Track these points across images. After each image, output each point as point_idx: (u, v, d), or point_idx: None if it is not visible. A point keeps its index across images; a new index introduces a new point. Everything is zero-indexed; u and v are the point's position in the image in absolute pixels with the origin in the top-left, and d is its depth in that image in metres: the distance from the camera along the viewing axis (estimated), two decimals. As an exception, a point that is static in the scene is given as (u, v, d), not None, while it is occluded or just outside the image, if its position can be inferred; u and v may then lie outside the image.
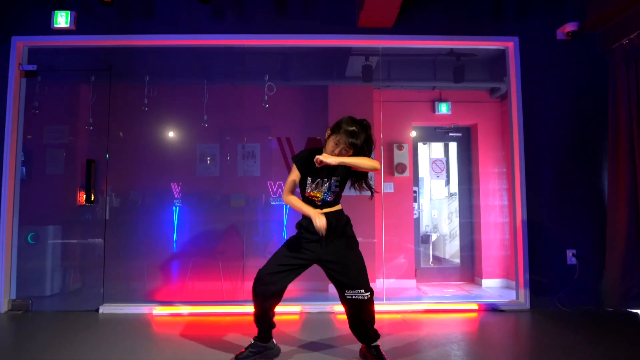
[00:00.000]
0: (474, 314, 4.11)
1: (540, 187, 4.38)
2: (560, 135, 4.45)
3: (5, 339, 3.42)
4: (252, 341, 2.83)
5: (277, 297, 2.70)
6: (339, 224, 2.70)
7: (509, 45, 4.51)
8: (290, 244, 2.72)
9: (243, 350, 2.80)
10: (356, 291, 2.62)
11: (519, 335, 3.57)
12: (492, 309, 4.23)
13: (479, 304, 4.25)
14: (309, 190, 2.70)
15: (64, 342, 3.24)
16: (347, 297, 2.64)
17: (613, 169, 4.24)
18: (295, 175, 2.71)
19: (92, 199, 4.35)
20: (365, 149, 2.68)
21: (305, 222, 2.70)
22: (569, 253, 4.32)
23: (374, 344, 2.73)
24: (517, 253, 4.37)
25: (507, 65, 4.55)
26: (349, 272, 2.66)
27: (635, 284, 4.06)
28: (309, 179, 2.69)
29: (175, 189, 4.74)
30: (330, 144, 2.63)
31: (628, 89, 4.12)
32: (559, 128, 4.45)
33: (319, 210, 2.60)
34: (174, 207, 4.74)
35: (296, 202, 2.68)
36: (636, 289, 4.05)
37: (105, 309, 4.16)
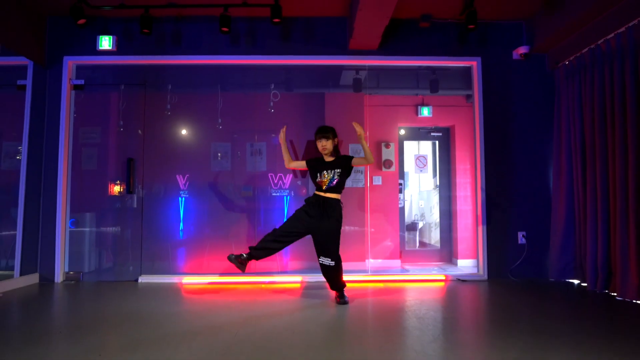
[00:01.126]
0: (442, 284, 5.06)
1: (497, 180, 5.33)
2: (515, 138, 5.39)
3: (63, 301, 4.36)
4: (242, 255, 4.03)
5: (278, 249, 4.04)
6: (333, 207, 3.91)
7: (473, 64, 5.45)
8: (298, 216, 3.98)
9: (236, 255, 4.03)
10: (325, 258, 3.90)
11: (477, 301, 4.44)
12: (457, 279, 5.19)
13: (446, 275, 5.22)
14: (320, 179, 3.99)
15: (112, 302, 4.16)
16: (320, 262, 3.93)
17: (557, 166, 5.16)
18: (301, 163, 4.21)
19: (131, 190, 5.27)
20: (338, 145, 4.15)
21: (312, 199, 3.97)
22: (520, 234, 5.29)
23: (340, 292, 4.00)
24: (478, 234, 5.32)
25: (472, 79, 5.47)
26: (323, 243, 3.91)
27: (572, 259, 5.00)
28: (319, 174, 4.02)
29: (186, 181, 5.55)
30: (318, 146, 4.04)
31: (568, 101, 5.02)
32: (514, 132, 5.39)
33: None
34: (179, 198, 5.54)
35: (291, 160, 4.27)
36: (572, 263, 5.00)
37: (143, 279, 5.13)
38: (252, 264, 5.36)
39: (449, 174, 6.94)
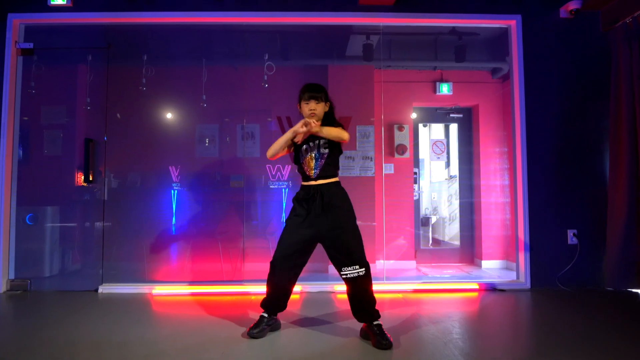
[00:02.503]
0: (475, 294, 4.11)
1: (541, 166, 4.35)
2: (562, 115, 4.41)
3: (3, 318, 3.41)
4: (263, 315, 2.87)
5: (291, 283, 2.85)
6: (335, 194, 2.77)
7: (511, 23, 4.45)
8: (291, 226, 2.79)
9: (255, 323, 2.85)
10: (351, 268, 2.67)
11: (519, 314, 3.56)
12: (492, 288, 4.24)
13: (479, 284, 4.26)
14: (303, 158, 2.83)
15: (63, 320, 3.22)
16: (343, 275, 2.69)
17: (614, 148, 4.20)
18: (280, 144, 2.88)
19: (91, 178, 4.31)
20: (331, 109, 2.94)
21: (301, 194, 2.82)
22: (570, 233, 4.31)
23: (376, 322, 2.71)
24: (518, 233, 4.36)
25: (509, 44, 4.49)
26: (342, 246, 2.71)
27: (634, 263, 4.05)
28: (301, 150, 2.85)
29: (174, 171, 4.73)
30: (304, 110, 2.86)
31: (630, 68, 4.07)
32: (561, 108, 4.41)
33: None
34: (171, 190, 4.72)
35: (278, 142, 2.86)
36: (635, 267, 4.05)
37: (104, 289, 4.15)
38: (240, 271, 4.48)
39: (471, 161, 6.01)
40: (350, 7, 4.38)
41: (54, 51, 4.47)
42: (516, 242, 4.40)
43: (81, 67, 4.53)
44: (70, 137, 4.48)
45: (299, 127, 2.70)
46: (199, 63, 4.80)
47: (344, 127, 2.83)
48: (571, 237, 4.30)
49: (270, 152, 2.86)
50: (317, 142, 2.80)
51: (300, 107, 2.91)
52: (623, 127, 4.10)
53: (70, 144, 4.46)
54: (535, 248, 4.29)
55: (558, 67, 4.42)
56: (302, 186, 2.85)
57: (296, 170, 2.92)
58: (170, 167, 4.72)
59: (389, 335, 2.66)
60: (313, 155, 2.78)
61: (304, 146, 2.83)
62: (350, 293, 2.73)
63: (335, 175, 2.83)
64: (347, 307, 2.83)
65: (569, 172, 4.38)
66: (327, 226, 2.71)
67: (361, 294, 2.70)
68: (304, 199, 2.77)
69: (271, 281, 2.82)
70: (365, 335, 2.77)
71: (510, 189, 4.90)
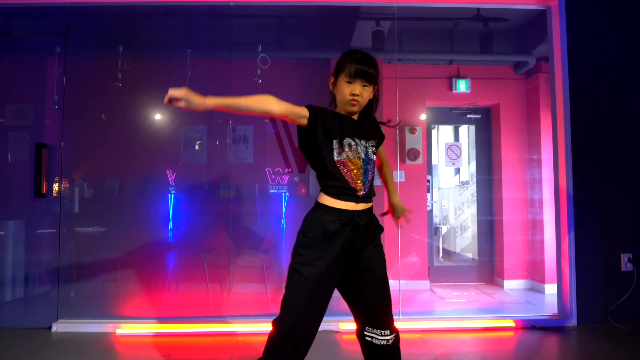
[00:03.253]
0: (510, 333, 3.41)
1: (588, 179, 3.67)
2: (615, 118, 3.74)
3: None
4: None
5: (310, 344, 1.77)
6: (377, 228, 1.88)
7: (552, 3, 3.77)
8: (313, 277, 1.69)
9: None
10: (381, 332, 1.79)
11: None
12: (532, 326, 3.52)
13: (515, 321, 3.53)
14: (339, 158, 1.76)
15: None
16: (367, 337, 1.84)
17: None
18: (293, 111, 1.76)
19: (44, 191, 3.64)
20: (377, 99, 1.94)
21: (332, 226, 1.73)
22: (624, 257, 3.63)
23: None
24: (561, 257, 3.66)
25: (548, 28, 3.81)
26: (380, 304, 1.82)
27: None
28: (336, 142, 1.78)
29: (164, 178, 4.37)
30: (343, 90, 1.81)
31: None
32: (613, 109, 3.74)
33: None
34: (163, 199, 4.35)
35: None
36: None
37: (59, 327, 3.42)
38: (225, 305, 3.80)
39: (490, 169, 5.45)
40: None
41: (8, 37, 4.00)
42: (558, 269, 3.70)
43: (48, 58, 4.10)
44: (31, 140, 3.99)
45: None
46: (182, 54, 4.40)
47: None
48: (625, 262, 3.61)
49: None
50: (370, 141, 1.86)
51: (334, 82, 1.88)
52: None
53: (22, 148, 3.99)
54: (581, 275, 3.59)
55: (611, 57, 3.76)
56: (334, 210, 1.76)
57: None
58: (151, 173, 4.40)
59: None
60: (361, 158, 1.81)
61: (347, 139, 1.79)
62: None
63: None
64: (357, 349, 2.01)
65: (624, 185, 3.72)
66: (364, 269, 1.81)
67: None
68: (340, 232, 1.73)
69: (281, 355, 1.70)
70: None
71: (552, 204, 4.21)
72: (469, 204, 5.78)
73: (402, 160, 5.03)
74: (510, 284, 5.11)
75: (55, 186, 3.79)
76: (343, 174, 1.76)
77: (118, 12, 4.15)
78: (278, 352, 1.68)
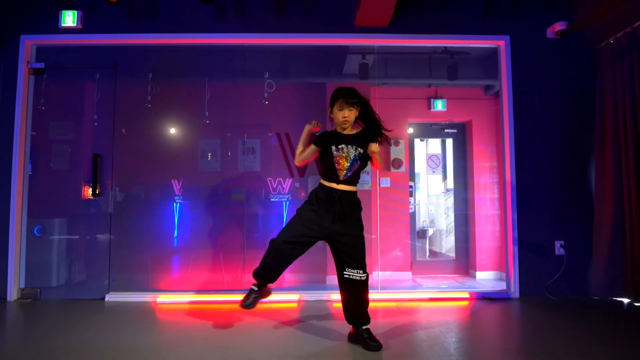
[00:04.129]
0: (465, 302, 4.27)
1: (529, 180, 4.54)
2: (550, 131, 4.60)
3: (14, 326, 3.59)
4: (253, 288, 3.08)
5: (285, 266, 2.96)
6: (353, 204, 2.92)
7: (500, 43, 4.66)
8: (304, 218, 2.89)
9: (245, 297, 3.07)
10: (355, 271, 2.83)
11: (507, 322, 3.72)
12: (483, 297, 4.40)
13: (470, 293, 4.42)
14: (337, 156, 2.90)
15: (71, 328, 3.39)
16: (345, 276, 2.84)
17: (600, 162, 4.39)
18: (310, 149, 3.10)
19: (98, 192, 4.50)
20: (369, 110, 3.01)
21: (321, 194, 2.89)
22: (557, 244, 4.48)
23: (365, 327, 2.89)
24: (507, 244, 4.53)
25: (499, 63, 4.70)
26: (353, 252, 2.86)
27: (620, 273, 4.21)
28: (333, 147, 2.92)
29: (176, 185, 4.85)
30: (337, 116, 2.94)
31: (614, 86, 4.27)
32: (549, 123, 4.61)
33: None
34: (174, 203, 4.84)
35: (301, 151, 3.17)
36: (622, 277, 4.21)
37: (111, 297, 4.33)
38: (240, 279, 4.63)
39: (465, 175, 6.19)
40: (347, 29, 4.61)
41: (64, 70, 4.68)
42: (505, 253, 4.57)
43: (89, 85, 4.72)
44: (77, 151, 4.69)
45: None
46: (202, 80, 4.94)
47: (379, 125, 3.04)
48: (558, 248, 4.47)
49: (298, 159, 3.16)
50: (358, 149, 2.91)
51: (332, 112, 3.00)
52: (608, 142, 4.29)
53: (77, 158, 4.66)
54: (524, 259, 4.46)
55: (545, 85, 4.63)
56: (324, 186, 2.92)
57: (317, 168, 3.08)
58: (172, 181, 4.85)
59: (377, 338, 2.84)
60: (349, 157, 2.89)
61: (342, 145, 2.91)
62: (347, 296, 2.90)
63: (356, 185, 2.98)
64: (339, 318, 3.00)
65: (557, 185, 4.57)
66: (341, 231, 2.86)
67: (357, 298, 2.87)
68: (325, 199, 2.87)
69: (266, 259, 2.95)
70: (353, 339, 2.95)
71: (500, 202, 5.06)
72: (453, 209, 6.41)
73: (387, 169, 5.75)
74: (481, 275, 5.78)
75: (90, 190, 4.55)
76: (334, 164, 2.89)
77: (152, 49, 4.82)
78: (266, 255, 2.94)
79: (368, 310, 2.93)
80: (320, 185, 2.95)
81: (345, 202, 2.87)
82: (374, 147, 2.89)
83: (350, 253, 2.85)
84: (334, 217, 2.83)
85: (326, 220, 2.85)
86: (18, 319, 3.76)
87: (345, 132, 3.00)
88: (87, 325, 3.43)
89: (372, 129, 2.99)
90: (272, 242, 2.92)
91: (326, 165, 2.96)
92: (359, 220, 2.95)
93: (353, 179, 2.92)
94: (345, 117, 2.91)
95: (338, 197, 2.85)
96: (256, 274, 3.06)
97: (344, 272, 2.86)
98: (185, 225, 4.86)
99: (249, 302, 3.02)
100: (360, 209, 2.98)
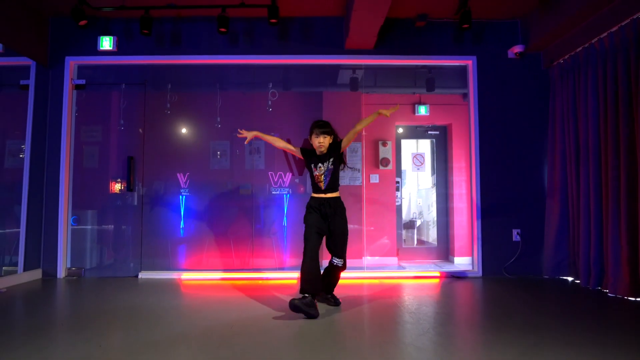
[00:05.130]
0: (436, 280, 5.14)
1: (491, 177, 5.40)
2: (510, 135, 5.46)
3: (68, 297, 4.46)
4: (308, 298, 3.47)
5: (317, 261, 3.65)
6: (341, 207, 3.81)
7: (468, 63, 5.52)
8: (312, 221, 3.72)
9: (306, 308, 3.42)
10: (339, 259, 3.80)
11: (471, 295, 4.53)
12: (452, 276, 5.27)
13: (441, 272, 5.30)
14: (316, 171, 3.77)
15: (112, 297, 4.27)
16: (334, 263, 3.81)
17: (551, 163, 5.24)
18: (291, 147, 3.99)
19: (131, 188, 5.36)
20: (337, 138, 3.88)
21: (314, 203, 3.77)
22: (515, 232, 5.36)
23: (331, 293, 3.95)
24: (473, 231, 5.39)
25: (467, 79, 5.55)
26: (339, 244, 3.78)
27: (565, 257, 5.08)
28: (314, 165, 3.80)
29: (186, 179, 5.59)
30: (314, 142, 3.81)
31: (562, 98, 5.10)
32: (509, 129, 5.46)
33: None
34: (180, 196, 5.58)
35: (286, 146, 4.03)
36: (566, 260, 5.08)
37: (143, 275, 5.23)
38: (249, 260, 5.49)
39: (446, 172, 7.02)
40: (338, 51, 5.47)
41: (101, 85, 5.54)
42: (471, 239, 5.43)
43: (120, 96, 5.56)
44: (107, 152, 5.54)
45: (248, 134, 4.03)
46: (214, 91, 5.72)
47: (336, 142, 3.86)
48: (515, 235, 5.34)
49: (279, 144, 4.04)
50: (326, 163, 3.77)
51: (310, 139, 3.83)
52: (557, 146, 5.12)
53: (107, 158, 5.54)
54: (487, 244, 5.34)
55: (507, 97, 5.48)
56: (314, 197, 3.80)
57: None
58: (178, 174, 5.60)
59: (339, 299, 3.91)
60: (324, 171, 3.76)
61: (319, 164, 3.77)
62: (330, 273, 3.86)
63: (338, 190, 3.83)
64: (339, 291, 3.98)
65: (515, 181, 5.43)
66: (332, 228, 3.74)
67: (335, 279, 3.91)
68: (317, 207, 3.73)
69: (305, 271, 3.51)
70: (321, 299, 3.93)
71: (467, 196, 5.90)
72: (436, 202, 7.19)
73: (376, 167, 6.52)
74: (459, 260, 6.58)
75: (118, 186, 5.45)
76: (315, 180, 3.80)
77: (175, 67, 5.62)
78: (305, 246, 3.65)
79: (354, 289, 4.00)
80: (312, 197, 3.83)
81: (332, 205, 3.76)
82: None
83: (337, 246, 3.78)
84: (326, 216, 3.72)
85: (322, 219, 3.73)
86: (70, 291, 4.62)
87: (319, 154, 3.84)
88: (126, 296, 4.28)
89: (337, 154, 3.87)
90: (305, 254, 3.56)
91: (312, 181, 3.84)
92: (345, 220, 3.83)
93: (333, 186, 3.79)
94: (321, 142, 3.75)
95: (327, 203, 3.75)
96: (305, 284, 3.49)
97: (332, 260, 3.82)
98: (199, 216, 5.64)
99: (312, 310, 3.43)
100: (344, 209, 3.85)
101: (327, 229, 3.74)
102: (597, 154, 4.52)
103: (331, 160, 3.78)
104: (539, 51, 5.47)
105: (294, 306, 3.36)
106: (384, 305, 3.92)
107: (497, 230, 5.36)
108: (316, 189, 3.81)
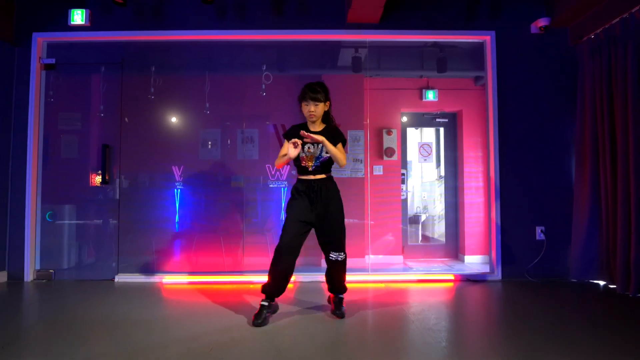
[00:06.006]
0: (450, 284, 4.58)
1: (512, 168, 4.82)
2: (532, 122, 4.87)
3: (34, 303, 3.90)
4: (263, 304, 3.13)
5: (292, 266, 3.16)
6: (331, 190, 3.18)
7: (486, 39, 4.91)
8: (293, 210, 3.14)
9: (257, 313, 3.09)
10: (337, 253, 3.19)
11: (490, 302, 4.01)
12: (467, 279, 4.70)
13: (455, 275, 4.72)
14: (303, 154, 3.12)
15: (85, 304, 3.70)
16: (331, 258, 3.19)
17: (579, 153, 4.65)
18: (285, 148, 3.18)
19: (107, 179, 4.78)
20: (329, 110, 3.24)
21: (300, 187, 3.16)
22: (538, 229, 4.78)
23: (341, 295, 3.34)
24: (491, 229, 4.82)
25: (484, 57, 4.95)
26: (333, 234, 3.18)
27: (596, 257, 4.51)
28: (305, 146, 3.13)
29: (177, 172, 5.09)
30: (304, 110, 3.15)
31: (593, 79, 4.50)
32: (531, 115, 4.87)
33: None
34: (175, 190, 5.08)
35: (280, 156, 3.20)
36: (597, 261, 4.51)
37: (120, 278, 4.65)
38: (240, 264, 4.93)
39: (456, 163, 6.47)
40: (339, 26, 4.86)
41: (73, 65, 4.96)
42: (489, 238, 4.86)
43: (96, 79, 4.99)
44: (86, 141, 4.97)
45: (292, 152, 3.01)
46: (202, 73, 5.16)
47: (342, 134, 3.23)
48: (539, 233, 4.76)
49: (276, 163, 3.23)
50: (320, 146, 3.13)
51: (300, 106, 3.16)
52: (587, 133, 4.54)
53: (86, 148, 4.96)
54: (507, 243, 4.76)
55: (529, 78, 4.89)
56: (301, 180, 3.18)
57: (293, 165, 3.24)
58: (173, 167, 5.09)
59: (344, 307, 3.29)
60: (315, 156, 3.13)
61: (307, 145, 3.12)
62: (330, 271, 3.27)
63: (330, 171, 3.23)
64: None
65: (538, 173, 4.84)
66: (323, 215, 3.13)
67: (338, 276, 3.28)
68: (304, 190, 3.13)
69: (276, 267, 3.09)
70: (330, 301, 3.43)
71: (484, 190, 5.34)
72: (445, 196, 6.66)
73: (381, 157, 6.01)
74: (470, 259, 6.06)
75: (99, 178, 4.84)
76: (302, 161, 3.13)
77: (156, 45, 5.06)
78: (274, 262, 3.11)
79: (345, 283, 3.35)
80: (298, 180, 3.21)
81: (324, 189, 3.14)
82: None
83: (332, 237, 3.18)
84: (313, 201, 3.12)
85: (309, 206, 3.13)
86: (35, 297, 4.07)
87: (312, 128, 3.19)
88: (98, 304, 3.73)
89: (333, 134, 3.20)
90: (278, 247, 3.10)
91: (297, 162, 3.18)
92: (341, 206, 3.23)
93: (324, 168, 3.17)
94: (311, 111, 3.10)
95: (315, 185, 3.13)
96: (266, 289, 3.15)
97: (330, 255, 3.20)
98: (187, 210, 5.12)
99: (262, 320, 3.04)
100: (339, 194, 3.24)
101: (316, 218, 3.14)
102: (638, 140, 3.93)
103: (325, 150, 3.14)
104: (565, 26, 4.86)
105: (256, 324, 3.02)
106: (393, 316, 3.35)
107: (518, 227, 4.78)
108: (302, 171, 3.19)
